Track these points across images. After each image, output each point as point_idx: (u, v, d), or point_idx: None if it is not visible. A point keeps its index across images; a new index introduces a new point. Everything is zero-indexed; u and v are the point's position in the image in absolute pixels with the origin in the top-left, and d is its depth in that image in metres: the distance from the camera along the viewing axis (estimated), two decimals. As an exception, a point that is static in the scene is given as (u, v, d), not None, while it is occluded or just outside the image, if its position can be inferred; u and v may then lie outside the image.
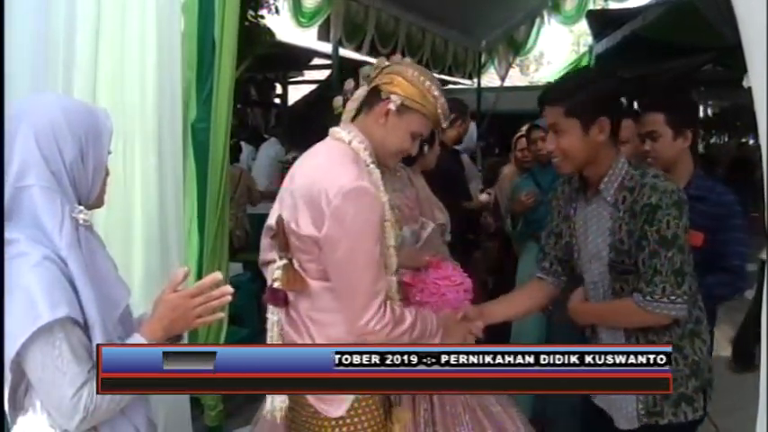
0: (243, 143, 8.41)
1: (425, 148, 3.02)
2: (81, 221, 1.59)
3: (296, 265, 1.96)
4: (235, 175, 5.94)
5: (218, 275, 1.67)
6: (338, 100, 2.16)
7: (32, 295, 1.45)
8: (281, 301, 1.99)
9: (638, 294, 2.01)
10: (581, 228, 2.19)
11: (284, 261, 1.96)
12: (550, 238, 2.35)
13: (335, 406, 1.94)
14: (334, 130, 2.05)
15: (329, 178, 1.87)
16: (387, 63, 2.09)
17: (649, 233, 1.96)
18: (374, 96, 2.01)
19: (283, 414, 2.02)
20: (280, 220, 1.96)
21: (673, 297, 1.96)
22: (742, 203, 2.73)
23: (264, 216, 2.16)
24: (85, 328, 1.53)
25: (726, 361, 5.07)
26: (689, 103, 3.27)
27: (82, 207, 1.60)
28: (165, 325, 1.61)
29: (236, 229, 5.75)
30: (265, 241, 2.11)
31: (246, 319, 4.78)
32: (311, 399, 1.95)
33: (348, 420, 1.95)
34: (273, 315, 2.03)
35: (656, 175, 2.04)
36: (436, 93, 2.01)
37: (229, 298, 1.63)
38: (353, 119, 2.08)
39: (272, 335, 2.03)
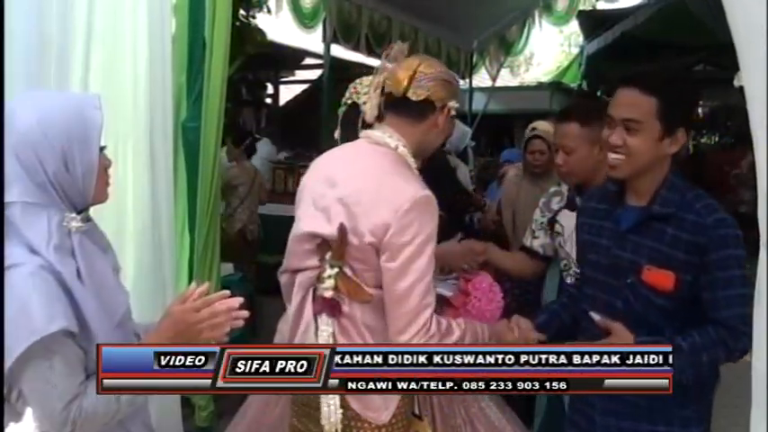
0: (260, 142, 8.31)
1: None
2: (74, 229, 1.53)
3: (349, 273, 1.89)
4: (250, 171, 6.01)
5: (225, 293, 1.59)
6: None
7: (28, 307, 1.41)
8: (337, 311, 1.91)
9: None
10: None
11: (336, 270, 1.89)
12: None
13: (380, 412, 1.88)
14: (373, 134, 1.98)
15: (393, 187, 1.83)
16: (409, 70, 1.97)
17: None
18: (427, 107, 1.96)
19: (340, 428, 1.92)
20: (343, 228, 1.86)
21: None
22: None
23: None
24: (80, 338, 1.49)
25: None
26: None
27: (74, 215, 1.54)
28: (167, 339, 1.52)
29: (249, 224, 5.83)
30: (299, 248, 1.99)
31: (238, 319, 4.76)
32: (354, 404, 1.88)
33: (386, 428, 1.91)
34: (329, 327, 1.92)
35: None
36: (455, 75, 2.08)
37: (234, 313, 1.55)
38: (378, 120, 2.02)
39: None
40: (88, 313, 1.48)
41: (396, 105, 1.98)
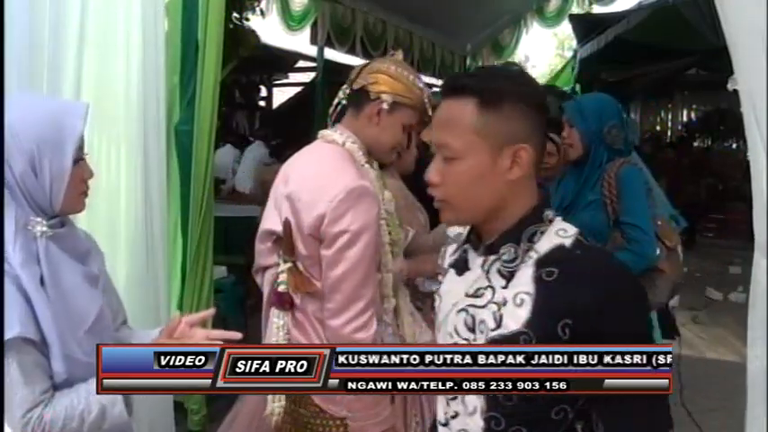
0: (229, 145, 8.39)
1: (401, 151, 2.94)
2: (39, 234, 1.51)
3: (301, 267, 1.94)
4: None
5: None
6: None
7: None
8: (288, 304, 1.96)
9: None
10: None
11: (288, 264, 1.94)
12: None
13: (342, 405, 1.90)
14: (324, 133, 2.05)
15: (330, 180, 1.87)
16: (365, 63, 2.08)
17: None
18: (362, 98, 2.00)
19: (280, 418, 1.97)
20: (287, 223, 1.93)
21: None
22: None
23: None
24: (43, 345, 1.48)
25: (711, 362, 5.08)
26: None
27: (39, 219, 1.52)
28: None
29: None
30: (263, 246, 2.07)
31: (230, 322, 4.74)
32: (317, 398, 1.91)
33: None
34: (279, 319, 1.99)
35: None
36: (420, 84, 2.03)
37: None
38: (339, 120, 2.08)
39: (278, 339, 1.97)
40: (45, 322, 1.46)
41: (347, 100, 2.05)
